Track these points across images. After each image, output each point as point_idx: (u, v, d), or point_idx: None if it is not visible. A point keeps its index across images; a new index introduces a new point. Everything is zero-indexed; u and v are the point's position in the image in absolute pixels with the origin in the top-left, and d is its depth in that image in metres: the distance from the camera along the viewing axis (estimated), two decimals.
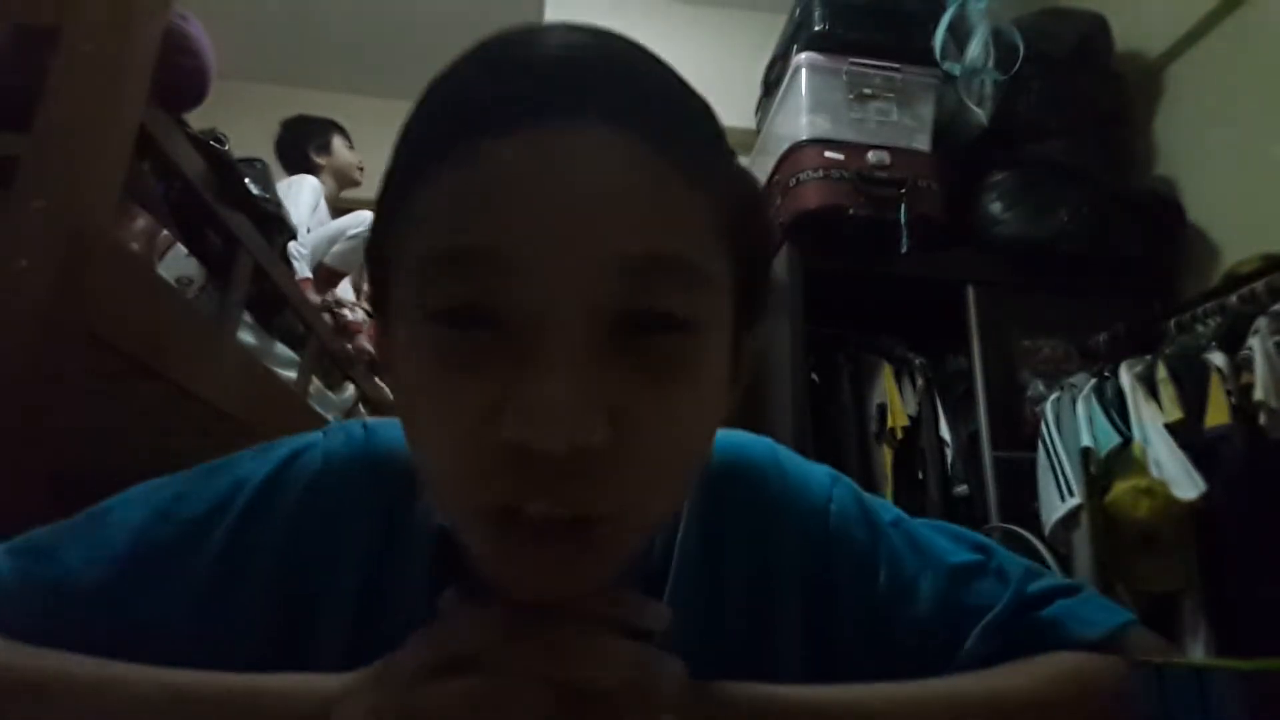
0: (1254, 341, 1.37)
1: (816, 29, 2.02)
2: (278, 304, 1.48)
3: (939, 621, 0.43)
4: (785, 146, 2.02)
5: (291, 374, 1.54)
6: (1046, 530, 1.51)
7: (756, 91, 2.48)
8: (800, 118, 1.99)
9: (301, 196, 2.26)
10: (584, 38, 0.33)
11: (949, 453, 1.88)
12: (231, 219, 1.19)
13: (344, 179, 2.53)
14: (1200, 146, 2.01)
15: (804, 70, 2.02)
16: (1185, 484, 1.35)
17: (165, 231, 1.06)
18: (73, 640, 0.37)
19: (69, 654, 0.36)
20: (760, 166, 2.32)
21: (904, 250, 1.85)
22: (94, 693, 0.35)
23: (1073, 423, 1.56)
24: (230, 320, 1.22)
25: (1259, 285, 1.47)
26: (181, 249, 1.10)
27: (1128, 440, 1.46)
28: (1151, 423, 1.45)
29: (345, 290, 2.44)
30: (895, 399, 1.90)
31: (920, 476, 1.87)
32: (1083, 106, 2.07)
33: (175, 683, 0.36)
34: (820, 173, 1.90)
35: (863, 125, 1.98)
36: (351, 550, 0.42)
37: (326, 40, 3.18)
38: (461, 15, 2.99)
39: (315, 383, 1.68)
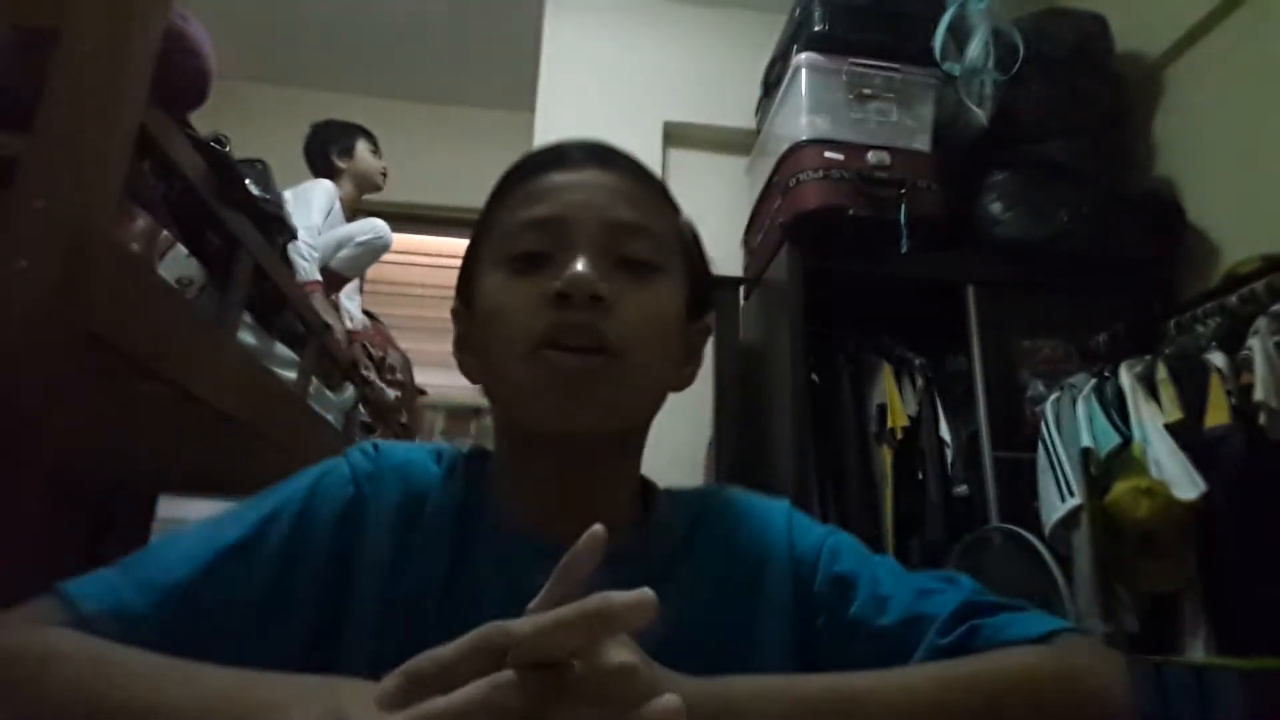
0: (1254, 342, 1.38)
1: (816, 29, 2.03)
2: (278, 304, 1.48)
3: (902, 626, 0.50)
4: (785, 147, 2.02)
5: (291, 374, 1.54)
6: (1046, 530, 1.51)
7: (756, 91, 2.48)
8: (800, 118, 2.00)
9: (314, 199, 2.26)
10: (590, 140, 0.58)
11: (949, 453, 1.87)
12: (232, 219, 1.19)
13: (365, 183, 2.52)
14: (1200, 146, 2.01)
15: (804, 70, 2.02)
16: (1185, 484, 1.35)
17: (165, 232, 1.06)
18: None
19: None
20: (760, 167, 2.32)
21: (904, 250, 1.85)
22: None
23: (1073, 423, 1.56)
24: (230, 321, 1.22)
25: (1259, 285, 1.47)
26: (182, 249, 1.10)
27: (1128, 440, 1.46)
28: (1151, 423, 1.45)
29: (349, 295, 2.43)
30: (895, 399, 1.90)
31: (920, 477, 1.86)
32: (1083, 106, 2.08)
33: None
34: (820, 173, 1.90)
35: (863, 125, 1.98)
36: (380, 531, 0.53)
37: (327, 40, 3.18)
38: (462, 15, 3.00)
39: (315, 383, 1.68)
